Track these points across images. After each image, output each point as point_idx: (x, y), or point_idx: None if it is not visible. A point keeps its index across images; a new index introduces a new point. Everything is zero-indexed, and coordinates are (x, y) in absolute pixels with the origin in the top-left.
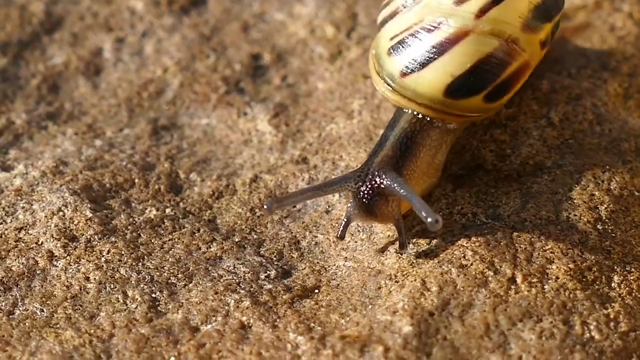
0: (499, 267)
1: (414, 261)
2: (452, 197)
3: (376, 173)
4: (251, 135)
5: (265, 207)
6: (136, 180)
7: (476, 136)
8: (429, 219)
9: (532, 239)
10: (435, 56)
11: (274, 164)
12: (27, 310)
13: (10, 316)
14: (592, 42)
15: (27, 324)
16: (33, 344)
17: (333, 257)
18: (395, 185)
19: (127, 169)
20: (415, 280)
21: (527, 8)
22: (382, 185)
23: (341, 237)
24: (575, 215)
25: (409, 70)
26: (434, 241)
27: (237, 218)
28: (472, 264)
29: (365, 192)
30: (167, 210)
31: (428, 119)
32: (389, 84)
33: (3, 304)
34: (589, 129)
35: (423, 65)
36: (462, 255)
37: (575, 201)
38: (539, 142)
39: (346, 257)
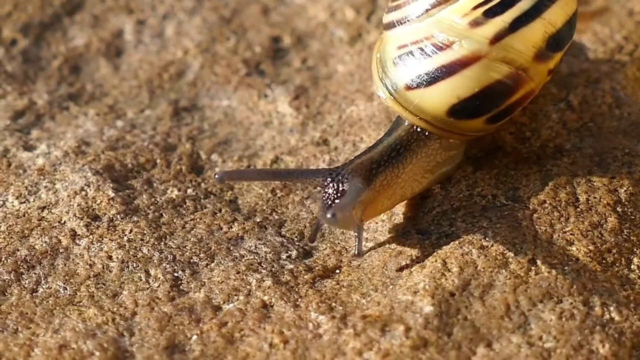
0: (519, 249)
1: (435, 242)
2: (472, 179)
3: (346, 177)
4: (272, 117)
5: (216, 177)
6: (158, 161)
7: None
8: (356, 251)
9: (552, 220)
10: (444, 76)
11: (294, 146)
12: (51, 288)
13: (34, 294)
14: (610, 26)
15: (50, 301)
16: (56, 322)
17: (354, 238)
18: (350, 193)
19: (149, 149)
20: (436, 260)
21: (542, 38)
22: (345, 190)
23: (310, 241)
24: (595, 197)
25: (414, 85)
26: (455, 223)
27: (258, 199)
28: (492, 245)
29: (330, 194)
30: (189, 191)
31: (426, 132)
32: (391, 93)
33: (26, 281)
34: (608, 112)
35: (430, 83)
36: (483, 236)
37: (595, 184)
38: (558, 124)
39: (367, 238)
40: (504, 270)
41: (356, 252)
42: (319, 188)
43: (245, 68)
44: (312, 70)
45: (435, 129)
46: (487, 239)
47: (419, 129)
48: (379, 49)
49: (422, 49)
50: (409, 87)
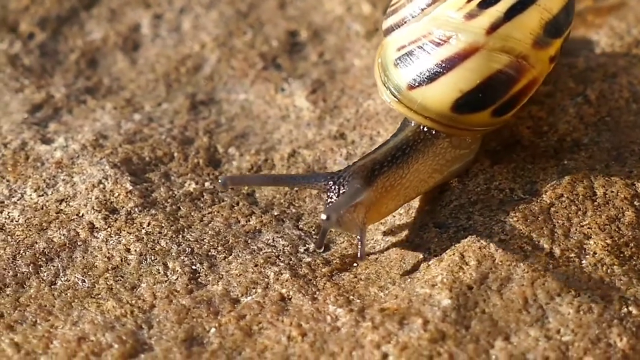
0: (537, 242)
1: (453, 235)
2: (489, 173)
3: (347, 179)
4: (289, 111)
5: (220, 181)
6: (175, 154)
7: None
8: (358, 254)
9: (570, 214)
10: (444, 71)
11: (311, 139)
12: (69, 280)
13: (52, 286)
14: (627, 20)
15: (69, 294)
16: (75, 314)
17: (371, 231)
18: (346, 194)
19: (166, 142)
20: (454, 254)
21: (538, 25)
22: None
23: (318, 247)
24: (612, 191)
25: (416, 84)
26: (473, 216)
27: (276, 192)
28: (510, 239)
29: (333, 197)
30: (207, 184)
31: (433, 131)
32: (394, 95)
33: (45, 274)
34: (625, 107)
35: (431, 79)
36: (501, 230)
37: (612, 177)
38: (575, 119)
39: (384, 232)
40: (521, 264)
41: (359, 255)
42: (322, 193)
43: (262, 62)
44: (329, 64)
45: (442, 126)
46: (504, 232)
47: (425, 129)
48: (380, 54)
49: (420, 47)
50: (411, 87)
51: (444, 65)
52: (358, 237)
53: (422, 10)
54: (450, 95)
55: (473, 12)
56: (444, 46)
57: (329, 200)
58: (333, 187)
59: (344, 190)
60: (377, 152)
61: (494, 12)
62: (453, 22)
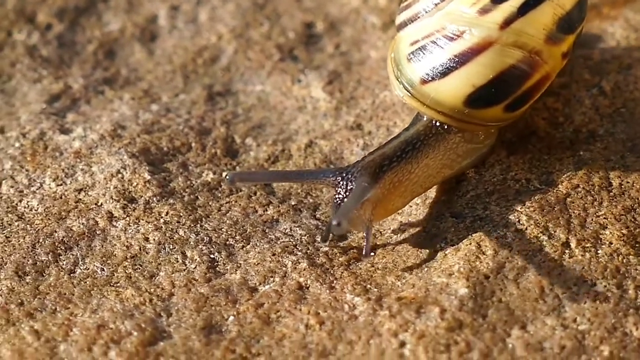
0: (553, 232)
1: (469, 225)
2: (506, 163)
3: (355, 175)
4: (305, 102)
5: (227, 178)
6: (193, 144)
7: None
8: (363, 252)
9: (586, 204)
10: (458, 65)
11: (328, 130)
12: (88, 269)
13: (72, 275)
14: None
15: (88, 282)
16: (94, 302)
17: (388, 221)
18: (353, 195)
19: (184, 133)
20: (470, 243)
21: (551, 20)
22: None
23: (323, 240)
24: (628, 182)
25: (429, 78)
26: (489, 206)
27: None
28: (526, 229)
29: (341, 194)
30: (224, 174)
31: (445, 126)
32: (407, 90)
33: (64, 262)
34: None
35: (444, 74)
36: (517, 219)
37: (627, 168)
38: (591, 110)
39: (401, 222)
40: (538, 254)
41: (364, 253)
42: (331, 189)
43: (278, 53)
44: (345, 56)
45: (454, 121)
46: (521, 222)
47: (438, 124)
48: (393, 49)
49: (434, 42)
50: (424, 81)
51: (457, 59)
52: (364, 234)
53: (436, 5)
54: (463, 89)
55: (486, 7)
56: (458, 41)
57: (337, 197)
58: (341, 183)
59: (351, 187)
60: (387, 147)
61: (508, 8)
62: (466, 17)
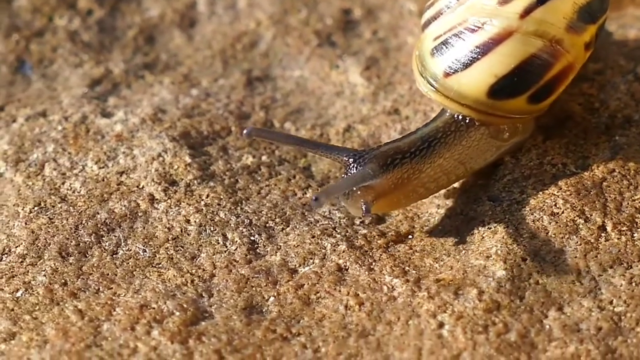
0: (589, 216)
1: (506, 209)
2: (542, 148)
3: (366, 161)
4: (343, 87)
5: (245, 132)
6: (232, 128)
7: (565, 89)
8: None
9: (621, 189)
10: (479, 56)
11: (366, 115)
12: (130, 250)
13: (114, 255)
14: None
15: (130, 263)
16: (137, 282)
17: (426, 204)
18: (350, 177)
19: (224, 117)
20: (507, 227)
21: (571, 9)
22: None
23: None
24: None
25: (452, 71)
26: (526, 190)
27: (331, 166)
28: (563, 212)
29: (348, 174)
30: (263, 158)
31: (467, 120)
32: (432, 85)
33: (107, 244)
34: None
35: (466, 65)
36: (554, 203)
37: None
38: (626, 96)
39: (439, 205)
40: (574, 237)
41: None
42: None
43: (316, 39)
44: (383, 42)
45: (478, 113)
46: (557, 206)
47: (460, 117)
48: (417, 47)
49: (456, 35)
50: (447, 74)
51: (478, 50)
52: (362, 214)
53: (458, 0)
54: (485, 80)
55: None
56: (479, 32)
57: (344, 176)
58: (352, 165)
59: (353, 172)
60: (403, 141)
61: None
62: (487, 8)
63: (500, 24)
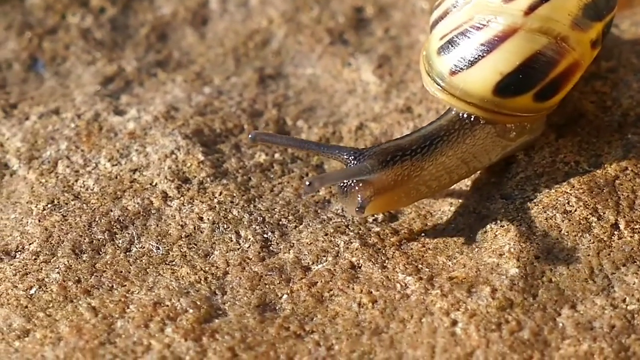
0: (602, 214)
1: (519, 206)
2: (554, 146)
3: (366, 158)
4: (355, 85)
5: (250, 136)
6: (245, 126)
7: (577, 88)
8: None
9: (634, 187)
10: (484, 54)
11: (378, 113)
12: (144, 247)
13: (128, 253)
14: None
15: (143, 260)
16: (150, 280)
17: (438, 202)
18: (349, 171)
19: (236, 115)
20: (520, 225)
21: (576, 6)
22: None
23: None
24: None
25: (458, 69)
26: (539, 188)
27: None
28: (575, 210)
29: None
30: (276, 155)
31: (472, 118)
32: (438, 84)
33: (120, 241)
34: None
35: (472, 63)
36: (566, 201)
37: None
38: (639, 94)
39: (451, 203)
40: (587, 235)
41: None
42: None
43: (328, 37)
44: (395, 40)
45: (485, 112)
46: (570, 204)
47: (465, 115)
48: (425, 47)
49: (462, 33)
50: (453, 72)
51: (483, 48)
52: (356, 207)
53: None
54: (490, 77)
55: None
56: (484, 30)
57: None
58: (352, 163)
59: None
60: (405, 139)
61: None
62: (492, 6)
63: (505, 21)
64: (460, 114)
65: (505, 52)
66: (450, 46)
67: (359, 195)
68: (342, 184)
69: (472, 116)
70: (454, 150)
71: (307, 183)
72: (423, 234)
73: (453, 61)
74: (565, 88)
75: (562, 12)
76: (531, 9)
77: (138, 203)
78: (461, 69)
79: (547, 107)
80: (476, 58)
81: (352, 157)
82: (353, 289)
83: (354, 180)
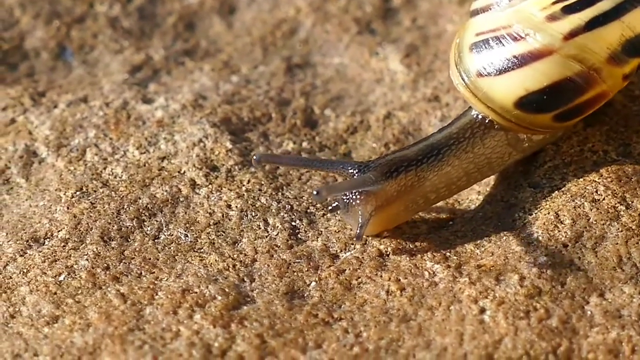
0: (630, 202)
1: (547, 195)
2: (583, 135)
3: (370, 169)
4: (383, 75)
5: (254, 158)
6: (273, 115)
7: None
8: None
9: None
10: (514, 67)
11: (406, 102)
12: (172, 235)
13: (156, 240)
14: None
15: (172, 248)
16: (178, 267)
17: (467, 191)
18: (353, 182)
19: (264, 104)
20: (548, 213)
21: (617, 41)
22: None
23: (357, 238)
24: None
25: (485, 72)
26: (567, 177)
27: (372, 152)
28: (604, 199)
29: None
30: (304, 144)
31: (487, 121)
32: (463, 79)
33: (148, 228)
34: None
35: (500, 72)
36: (595, 190)
37: None
38: None
39: (479, 191)
40: (615, 223)
41: (357, 237)
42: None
43: (356, 27)
44: (422, 30)
45: (502, 119)
46: (598, 192)
47: (479, 118)
48: (460, 35)
49: (497, 38)
50: (480, 74)
51: (515, 60)
52: (359, 223)
53: (510, 0)
54: (515, 91)
55: (556, 14)
56: (520, 42)
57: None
58: (356, 175)
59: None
60: (411, 149)
61: (576, 20)
62: (534, 20)
63: (543, 40)
64: (475, 115)
65: (535, 71)
66: (483, 47)
67: (360, 209)
68: (344, 198)
69: (487, 119)
70: (460, 160)
71: (315, 192)
72: (451, 222)
73: (482, 63)
74: (587, 113)
75: (602, 44)
76: (572, 35)
77: (166, 191)
78: (489, 73)
79: (566, 126)
80: (505, 68)
81: (357, 170)
82: (381, 276)
83: (356, 194)
